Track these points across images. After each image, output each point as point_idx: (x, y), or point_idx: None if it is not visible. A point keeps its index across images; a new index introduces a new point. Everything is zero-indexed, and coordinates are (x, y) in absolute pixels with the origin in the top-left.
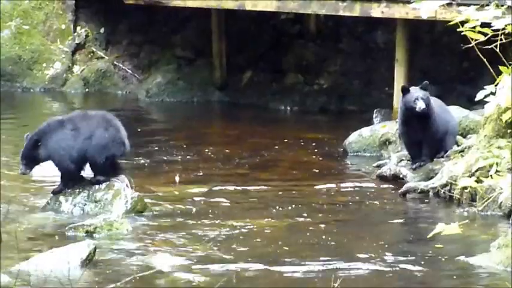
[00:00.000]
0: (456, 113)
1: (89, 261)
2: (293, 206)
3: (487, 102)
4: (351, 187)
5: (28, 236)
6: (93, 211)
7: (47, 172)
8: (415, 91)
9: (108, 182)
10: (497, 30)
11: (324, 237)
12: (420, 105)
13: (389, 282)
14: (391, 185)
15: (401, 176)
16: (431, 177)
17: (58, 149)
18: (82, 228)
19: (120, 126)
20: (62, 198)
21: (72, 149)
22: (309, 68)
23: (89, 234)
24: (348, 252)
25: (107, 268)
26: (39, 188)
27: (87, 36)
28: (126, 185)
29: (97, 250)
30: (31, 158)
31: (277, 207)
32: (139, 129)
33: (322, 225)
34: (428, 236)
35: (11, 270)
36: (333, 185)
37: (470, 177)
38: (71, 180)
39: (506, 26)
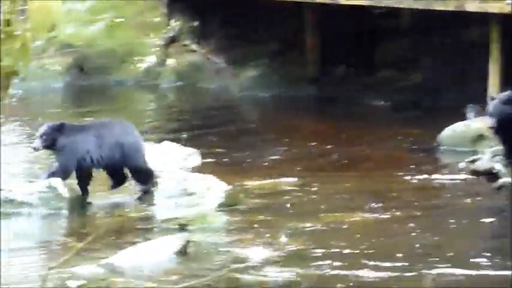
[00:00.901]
0: None
1: (182, 254)
2: (385, 201)
3: None
4: (443, 182)
5: (122, 228)
6: (187, 204)
7: None
8: None
9: (195, 177)
10: None
11: (415, 234)
12: None
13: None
14: (484, 181)
15: (494, 171)
16: None
17: (73, 147)
18: (175, 221)
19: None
20: (156, 191)
21: (89, 153)
22: (402, 62)
23: (182, 227)
24: (443, 252)
25: (199, 261)
26: (133, 181)
27: (180, 29)
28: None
29: (190, 243)
30: (49, 138)
31: (369, 202)
32: (230, 124)
33: (413, 222)
34: None
35: (105, 263)
36: (426, 181)
37: None
38: (58, 175)
39: None
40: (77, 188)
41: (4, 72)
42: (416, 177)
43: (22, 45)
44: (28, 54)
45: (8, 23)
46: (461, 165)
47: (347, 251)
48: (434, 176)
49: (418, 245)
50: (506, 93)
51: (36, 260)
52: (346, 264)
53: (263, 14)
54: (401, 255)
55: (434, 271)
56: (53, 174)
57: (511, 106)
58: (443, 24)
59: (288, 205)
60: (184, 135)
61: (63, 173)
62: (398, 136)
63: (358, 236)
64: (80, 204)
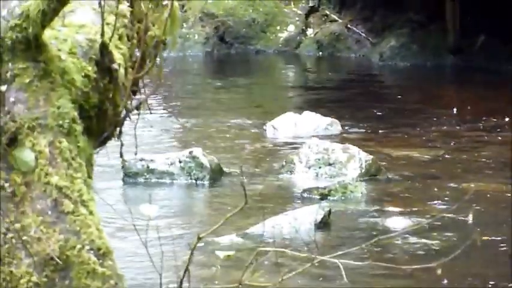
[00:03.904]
0: None
1: (323, 224)
2: None
3: None
4: None
5: (263, 198)
6: (328, 174)
7: (283, 134)
8: None
9: (335, 147)
10: None
11: None
12: None
13: None
14: None
15: None
16: None
17: None
18: (316, 191)
19: None
20: (296, 160)
21: None
22: None
23: (324, 197)
24: None
25: (341, 231)
26: (274, 150)
27: None
28: None
29: (331, 213)
30: None
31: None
32: (370, 93)
33: None
34: None
35: (246, 233)
36: None
37: None
38: None
39: None
40: (218, 157)
41: (152, 41)
42: None
43: (170, 15)
44: (176, 23)
45: None
46: None
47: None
48: None
49: None
50: None
51: (182, 229)
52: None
53: None
54: None
55: None
56: None
57: None
58: None
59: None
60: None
61: None
62: None
63: (497, 205)
64: (221, 174)
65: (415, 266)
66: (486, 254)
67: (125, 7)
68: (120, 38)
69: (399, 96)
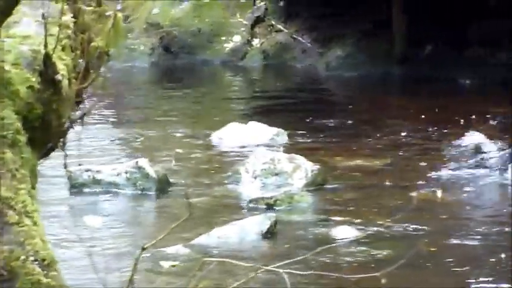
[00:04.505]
0: None
1: (270, 234)
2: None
3: None
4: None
5: (209, 208)
6: (274, 184)
7: (229, 144)
8: None
9: (281, 157)
10: None
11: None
12: None
13: None
14: None
15: None
16: None
17: None
18: (263, 201)
19: None
20: (242, 171)
21: None
22: (492, 41)
23: (270, 207)
24: None
25: (287, 241)
26: (220, 161)
27: (266, 9)
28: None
29: (278, 223)
30: None
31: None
32: (316, 103)
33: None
34: None
35: (192, 244)
36: None
37: None
38: None
39: None
40: (164, 167)
41: (95, 52)
42: None
43: (113, 26)
44: (120, 34)
45: (99, 2)
46: None
47: (441, 227)
48: None
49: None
50: None
51: (126, 240)
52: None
53: None
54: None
55: None
56: None
57: None
58: None
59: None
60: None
61: None
62: (490, 115)
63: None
64: (167, 184)
65: (360, 275)
66: (432, 263)
67: (68, 18)
68: (63, 49)
69: (346, 106)
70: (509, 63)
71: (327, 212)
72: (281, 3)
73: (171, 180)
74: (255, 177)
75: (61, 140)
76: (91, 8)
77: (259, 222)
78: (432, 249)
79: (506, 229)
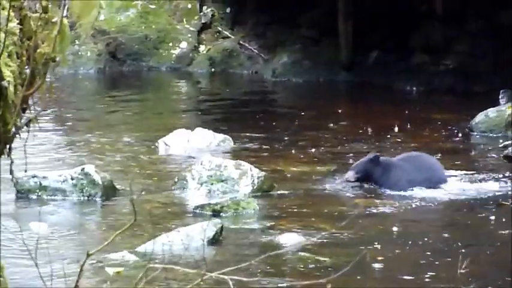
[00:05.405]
0: None
1: (215, 241)
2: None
3: None
4: (476, 167)
5: (154, 215)
6: (220, 190)
7: (175, 150)
8: None
9: (228, 163)
10: None
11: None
12: None
13: None
14: None
15: None
16: None
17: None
18: (209, 207)
19: None
20: (188, 177)
21: None
22: (436, 48)
23: (216, 213)
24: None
25: (233, 247)
26: (166, 167)
27: (213, 15)
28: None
29: (224, 229)
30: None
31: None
32: (263, 110)
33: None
34: None
35: (137, 250)
36: (460, 166)
37: None
38: None
39: None
40: (110, 174)
41: (41, 59)
42: (451, 162)
43: (59, 32)
44: (66, 40)
45: (45, 9)
46: (494, 150)
47: (387, 236)
48: (468, 161)
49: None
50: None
51: (72, 246)
52: (387, 249)
53: (297, 0)
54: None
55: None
56: None
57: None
58: (477, 8)
59: (323, 188)
60: None
61: None
62: (433, 121)
63: (396, 222)
64: (113, 191)
65: (306, 282)
66: (376, 270)
67: (14, 25)
68: (9, 56)
69: (293, 113)
70: (454, 70)
71: (273, 219)
72: (228, 10)
73: (117, 186)
74: (201, 184)
75: (7, 146)
76: (37, 14)
77: (205, 229)
78: (377, 256)
79: (445, 235)
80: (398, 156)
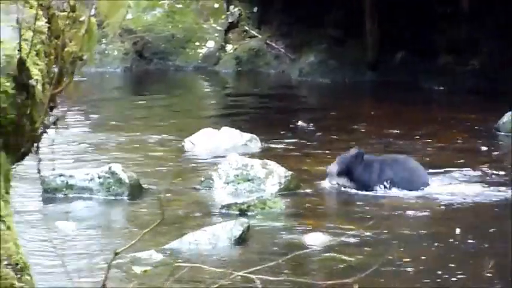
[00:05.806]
0: None
1: (242, 240)
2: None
3: None
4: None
5: (181, 214)
6: (247, 189)
7: (202, 149)
8: None
9: (254, 163)
10: None
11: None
12: None
13: None
14: None
15: None
16: None
17: None
18: (235, 206)
19: None
20: (215, 176)
21: None
22: (462, 48)
23: (242, 212)
24: None
25: (260, 247)
26: (193, 166)
27: (240, 15)
28: None
29: (250, 228)
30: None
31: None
32: (289, 109)
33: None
34: None
35: (164, 248)
36: (486, 164)
37: None
38: None
39: None
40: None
41: (69, 57)
42: (477, 163)
43: (87, 31)
44: (93, 39)
45: (73, 8)
46: None
47: (407, 233)
48: (494, 161)
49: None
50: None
51: (99, 245)
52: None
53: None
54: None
55: None
56: None
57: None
58: (504, 8)
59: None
60: None
61: None
62: (459, 121)
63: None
64: (140, 190)
65: (332, 282)
66: (403, 270)
67: (42, 23)
68: (37, 54)
69: (319, 112)
70: (480, 70)
71: (299, 218)
72: (255, 9)
73: (143, 185)
74: (228, 183)
75: (34, 144)
76: (65, 13)
77: (231, 228)
78: (403, 256)
79: (471, 236)
80: (383, 155)
